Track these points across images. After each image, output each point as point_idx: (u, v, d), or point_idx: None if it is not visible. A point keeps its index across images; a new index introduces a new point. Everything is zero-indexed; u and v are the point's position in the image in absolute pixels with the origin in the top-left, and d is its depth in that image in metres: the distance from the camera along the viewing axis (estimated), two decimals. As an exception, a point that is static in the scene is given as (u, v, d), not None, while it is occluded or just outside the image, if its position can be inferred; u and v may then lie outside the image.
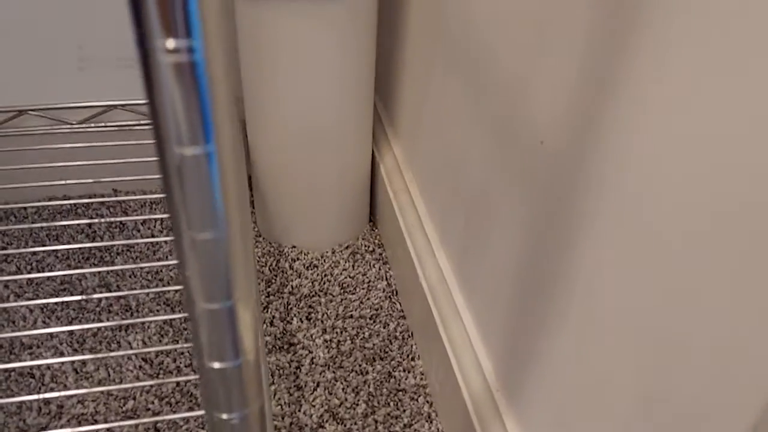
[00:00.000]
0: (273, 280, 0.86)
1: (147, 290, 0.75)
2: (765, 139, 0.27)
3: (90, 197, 0.97)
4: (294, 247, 0.91)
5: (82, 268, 0.87)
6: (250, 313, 0.27)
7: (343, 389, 0.74)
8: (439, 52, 0.68)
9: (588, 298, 0.43)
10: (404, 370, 0.76)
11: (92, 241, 0.90)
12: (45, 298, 0.82)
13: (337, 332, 0.80)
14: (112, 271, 0.85)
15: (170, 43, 0.19)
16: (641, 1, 0.34)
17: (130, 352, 0.61)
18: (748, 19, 0.28)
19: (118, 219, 0.82)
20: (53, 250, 0.88)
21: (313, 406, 0.72)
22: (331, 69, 0.75)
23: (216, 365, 0.28)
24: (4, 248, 0.89)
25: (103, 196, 0.98)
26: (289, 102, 0.78)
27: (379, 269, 0.88)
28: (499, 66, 0.54)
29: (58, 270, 0.86)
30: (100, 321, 0.80)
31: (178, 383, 0.73)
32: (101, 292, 0.83)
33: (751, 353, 0.30)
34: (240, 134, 0.21)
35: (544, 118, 0.47)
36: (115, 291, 0.83)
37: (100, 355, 0.66)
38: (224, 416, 0.30)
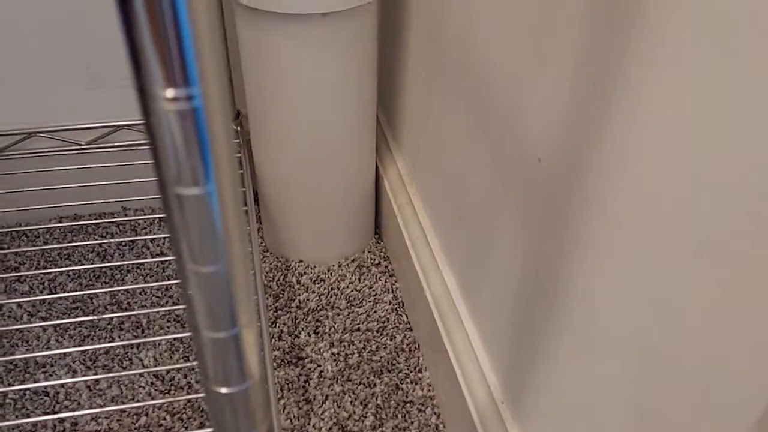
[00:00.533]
0: (281, 295, 0.87)
1: (157, 309, 0.76)
2: (753, 161, 0.28)
3: (100, 216, 0.99)
4: (301, 261, 0.93)
5: (93, 287, 0.88)
6: (254, 338, 0.29)
7: (351, 402, 0.75)
8: (440, 71, 0.69)
9: (587, 313, 0.44)
10: (412, 382, 0.77)
11: (103, 260, 0.92)
12: (58, 317, 0.84)
13: (344, 345, 0.81)
14: (122, 289, 0.86)
15: (170, 93, 0.20)
16: (632, 26, 0.35)
17: (142, 369, 0.62)
18: (736, 58, 0.29)
19: (128, 238, 0.84)
20: (65, 270, 0.89)
21: (322, 419, 0.73)
22: (334, 87, 0.77)
23: (223, 390, 0.29)
24: (17, 269, 0.90)
25: (112, 215, 0.99)
26: (293, 119, 0.79)
27: (385, 282, 0.89)
28: (497, 86, 0.55)
29: (70, 290, 0.87)
30: (112, 339, 0.81)
31: (189, 399, 0.74)
32: (113, 311, 0.85)
33: (742, 369, 0.30)
34: (237, 173, 0.22)
35: (540, 137, 0.48)
36: (126, 309, 0.85)
37: (112, 374, 0.67)
38: (232, 438, 0.31)
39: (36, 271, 0.85)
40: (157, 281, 0.81)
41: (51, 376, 0.77)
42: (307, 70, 0.75)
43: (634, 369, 0.39)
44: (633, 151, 0.36)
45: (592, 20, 0.39)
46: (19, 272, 0.82)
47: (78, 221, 0.94)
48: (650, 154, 0.35)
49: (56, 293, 0.83)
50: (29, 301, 0.85)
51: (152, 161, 0.22)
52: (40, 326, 0.82)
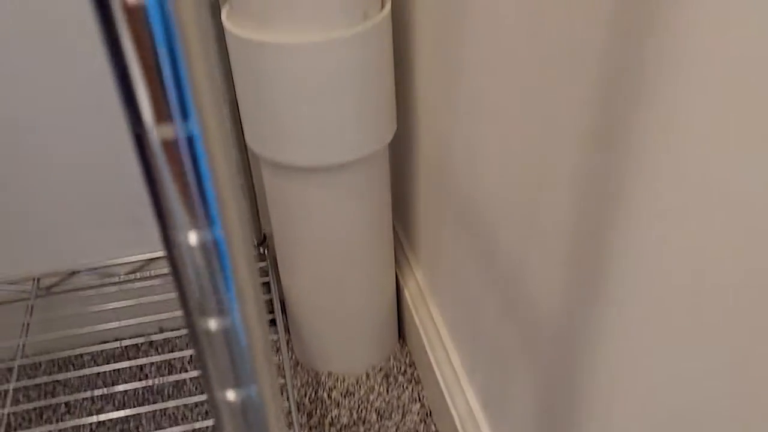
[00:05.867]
0: (313, 413, 0.92)
1: (200, 423, 0.81)
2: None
3: (138, 336, 1.04)
4: (330, 373, 0.97)
5: (136, 408, 0.93)
6: None
7: None
8: (448, 202, 0.75)
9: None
10: (443, 497, 0.81)
11: (144, 382, 0.97)
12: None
13: (377, 461, 0.85)
14: (164, 409, 0.91)
15: (192, 237, 0.20)
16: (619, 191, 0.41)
17: None
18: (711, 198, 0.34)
19: (166, 358, 0.89)
20: (109, 394, 0.95)
21: None
22: (353, 220, 0.83)
23: None
24: (65, 395, 0.96)
25: (150, 335, 1.05)
26: (315, 245, 0.85)
27: (412, 391, 0.94)
28: (500, 231, 0.60)
29: (114, 413, 0.93)
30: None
31: None
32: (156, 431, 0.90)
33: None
34: (262, 301, 0.25)
35: (542, 293, 0.53)
36: (166, 427, 0.90)
37: None
38: None
39: (80, 395, 0.90)
40: (197, 397, 0.86)
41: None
42: (326, 210, 0.81)
43: None
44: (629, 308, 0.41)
45: (582, 186, 0.45)
46: (67, 397, 0.87)
47: (118, 342, 1.00)
48: (646, 321, 0.40)
49: (102, 415, 0.88)
50: (77, 427, 0.90)
51: (177, 294, 0.22)
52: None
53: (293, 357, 1.01)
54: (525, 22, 0.48)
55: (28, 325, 0.89)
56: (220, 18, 0.73)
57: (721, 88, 0.31)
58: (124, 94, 0.17)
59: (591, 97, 0.41)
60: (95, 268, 0.98)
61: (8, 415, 0.93)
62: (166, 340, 1.04)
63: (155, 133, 0.18)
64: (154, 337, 1.03)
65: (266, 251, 1.01)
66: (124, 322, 0.92)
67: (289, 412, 0.83)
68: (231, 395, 0.24)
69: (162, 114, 0.18)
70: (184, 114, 0.18)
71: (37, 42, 0.81)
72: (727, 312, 0.33)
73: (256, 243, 1.00)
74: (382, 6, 0.71)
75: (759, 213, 0.30)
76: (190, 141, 0.18)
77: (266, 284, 0.97)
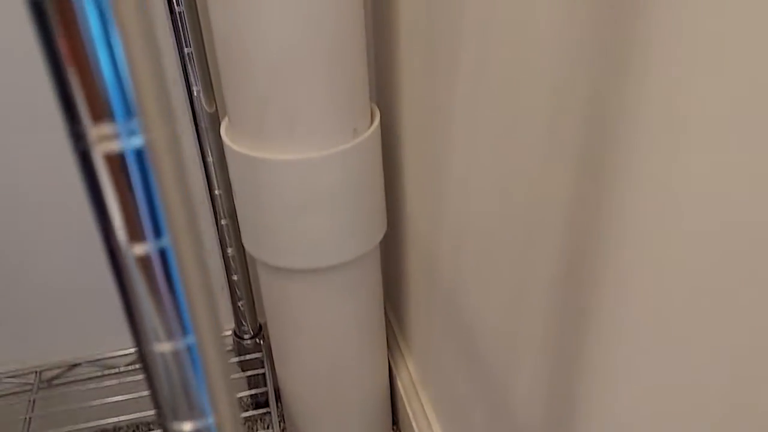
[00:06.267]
0: (308, 504, 0.93)
1: None
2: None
3: (139, 424, 1.06)
4: (325, 463, 0.99)
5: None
6: None
7: None
8: (437, 301, 0.78)
9: None
10: None
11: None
12: None
13: None
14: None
15: (166, 346, 0.20)
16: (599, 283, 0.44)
17: None
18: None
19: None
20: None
21: None
22: (346, 318, 0.86)
23: None
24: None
25: (149, 423, 1.07)
26: (309, 340, 0.88)
27: (405, 481, 0.95)
28: (486, 333, 0.63)
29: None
30: None
31: None
32: None
33: None
34: (238, 410, 0.24)
35: (527, 395, 0.56)
36: None
37: None
38: None
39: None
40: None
41: None
42: (320, 306, 0.84)
43: None
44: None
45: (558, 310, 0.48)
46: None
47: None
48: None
49: None
50: None
51: (152, 400, 0.22)
52: None
53: (289, 446, 1.03)
54: (500, 136, 0.53)
55: (30, 419, 0.91)
56: (220, 131, 0.78)
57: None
58: (97, 211, 0.18)
59: (568, 213, 0.45)
60: (96, 360, 1.00)
61: None
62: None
63: (128, 248, 0.19)
64: (154, 429, 1.04)
65: (262, 341, 1.04)
66: (123, 417, 0.94)
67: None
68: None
69: (135, 232, 0.18)
70: (157, 231, 0.18)
71: (32, 151, 0.86)
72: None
73: (252, 334, 1.03)
74: (372, 121, 0.76)
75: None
76: (162, 254, 0.19)
77: (262, 375, 1.00)
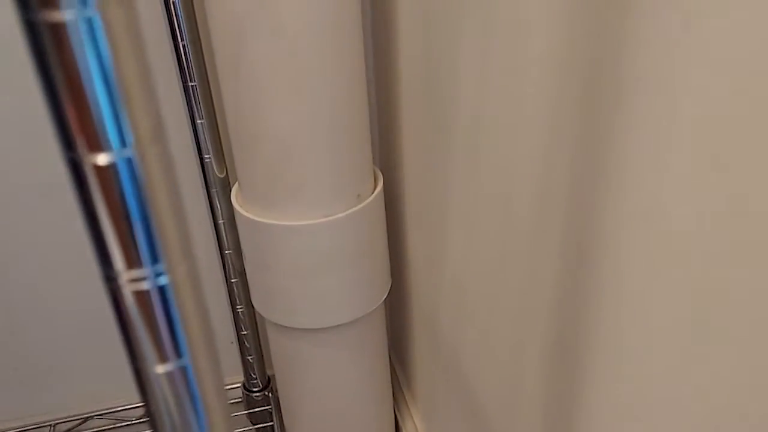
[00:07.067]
0: None
1: None
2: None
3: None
4: None
5: None
6: None
7: None
8: (440, 358, 0.81)
9: None
10: None
11: None
12: None
13: None
14: None
15: (160, 368, 0.22)
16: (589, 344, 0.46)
17: None
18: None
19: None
20: None
21: None
22: (351, 376, 0.88)
23: None
24: None
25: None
26: (315, 395, 0.90)
27: None
28: (486, 394, 0.65)
29: None
30: None
31: None
32: None
33: None
34: None
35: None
36: None
37: None
38: None
39: None
40: None
41: None
42: (326, 362, 0.86)
43: None
44: None
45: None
46: None
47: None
48: None
49: None
50: None
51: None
52: None
53: (296, 498, 1.04)
54: (498, 195, 0.56)
55: (43, 474, 0.94)
56: (230, 196, 0.81)
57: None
58: (96, 246, 0.19)
59: (561, 272, 0.48)
60: (108, 413, 1.02)
61: None
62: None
63: (126, 282, 0.20)
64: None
65: (270, 394, 1.06)
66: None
67: None
68: None
69: (132, 263, 0.19)
70: (155, 262, 0.19)
71: (35, 199, 0.89)
72: None
73: (261, 387, 1.05)
74: (375, 185, 0.80)
75: None
76: (161, 291, 0.20)
77: (270, 427, 1.02)
